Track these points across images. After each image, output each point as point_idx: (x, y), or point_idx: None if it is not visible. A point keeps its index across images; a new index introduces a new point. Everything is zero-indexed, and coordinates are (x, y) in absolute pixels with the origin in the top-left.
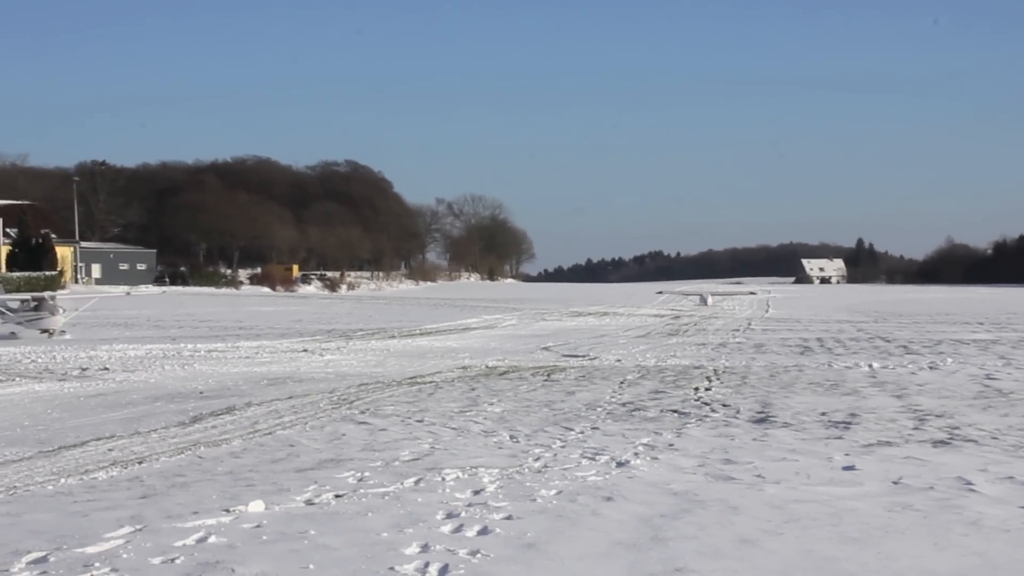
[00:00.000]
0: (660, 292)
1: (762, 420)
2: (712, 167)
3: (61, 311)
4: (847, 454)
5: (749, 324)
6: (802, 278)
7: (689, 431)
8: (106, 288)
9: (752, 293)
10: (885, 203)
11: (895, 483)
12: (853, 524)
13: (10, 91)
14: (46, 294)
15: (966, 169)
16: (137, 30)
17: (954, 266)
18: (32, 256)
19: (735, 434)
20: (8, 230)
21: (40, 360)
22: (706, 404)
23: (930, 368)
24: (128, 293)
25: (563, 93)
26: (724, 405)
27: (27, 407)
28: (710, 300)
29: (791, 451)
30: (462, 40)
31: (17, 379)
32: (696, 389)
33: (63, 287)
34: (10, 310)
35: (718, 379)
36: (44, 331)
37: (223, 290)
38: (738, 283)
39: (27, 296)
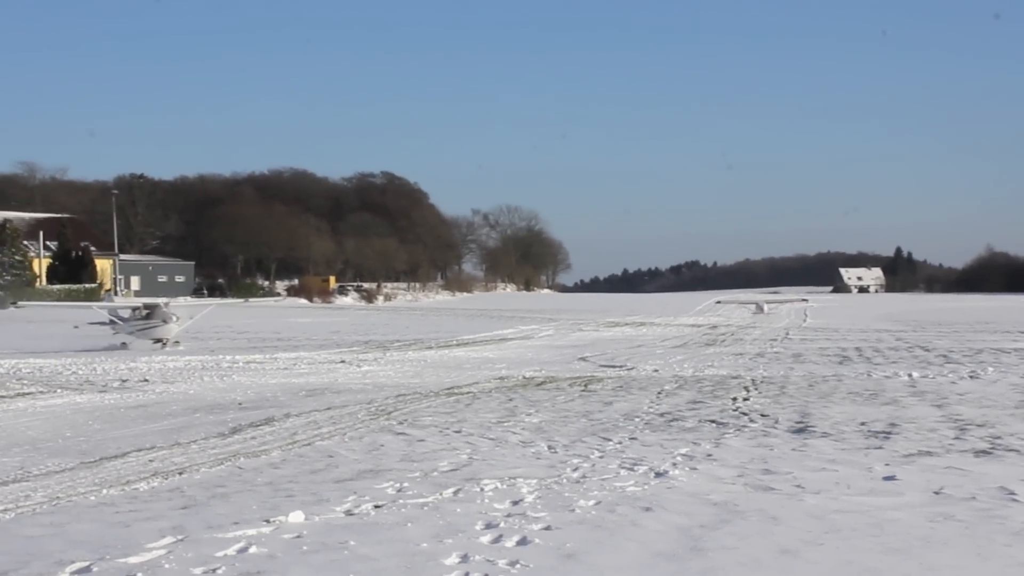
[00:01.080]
0: (719, 301)
1: (801, 430)
2: (749, 177)
3: (175, 319)
4: (887, 464)
5: (787, 334)
6: (840, 287)
7: (728, 441)
8: (213, 300)
9: (804, 300)
10: (924, 211)
11: (936, 493)
12: (894, 535)
13: (49, 105)
14: (160, 301)
15: (1005, 177)
16: (174, 44)
17: (994, 275)
18: (72, 269)
19: (774, 444)
20: (48, 243)
21: (81, 372)
22: (744, 414)
23: (971, 377)
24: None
25: (598, 106)
26: (762, 415)
27: (69, 418)
28: (766, 308)
29: (831, 461)
30: (497, 54)
31: (58, 390)
32: (734, 399)
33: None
34: (121, 319)
35: (756, 389)
36: (157, 340)
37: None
38: (775, 292)
39: (139, 303)
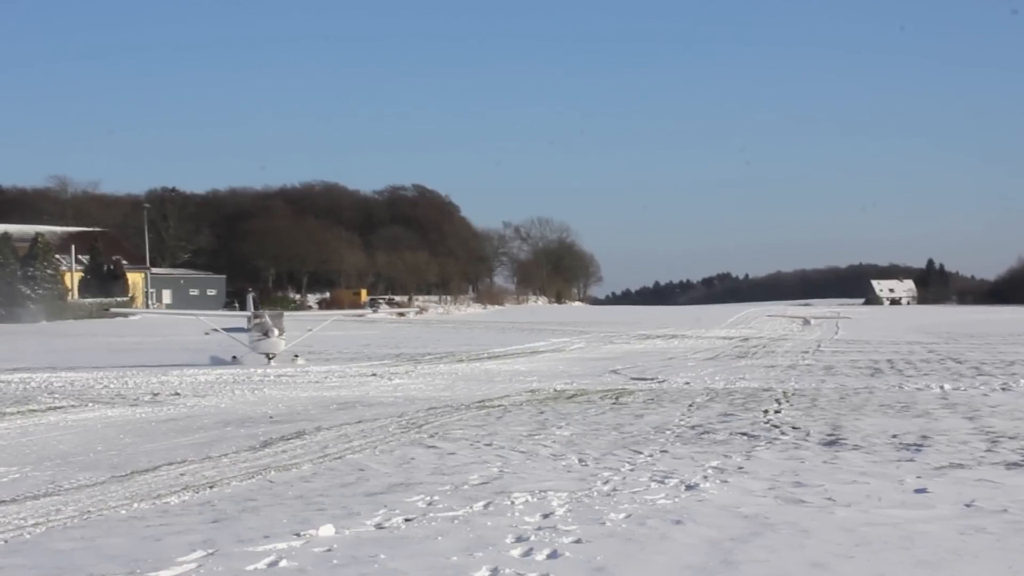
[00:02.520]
0: (771, 315)
1: (832, 443)
2: (781, 188)
3: (276, 333)
4: (919, 476)
5: (819, 346)
6: (872, 299)
7: (759, 454)
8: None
9: (845, 316)
10: (956, 222)
11: (968, 506)
12: (925, 547)
13: (81, 119)
14: (267, 313)
15: None
16: (205, 57)
17: None
18: (104, 282)
19: (805, 457)
20: (80, 257)
21: (112, 385)
22: (776, 427)
23: (1003, 389)
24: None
25: (629, 120)
26: (794, 427)
27: (100, 432)
28: (812, 321)
29: (862, 474)
30: (527, 66)
31: (90, 404)
32: (765, 411)
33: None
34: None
35: (787, 401)
36: (267, 355)
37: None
38: (807, 304)
39: (251, 313)
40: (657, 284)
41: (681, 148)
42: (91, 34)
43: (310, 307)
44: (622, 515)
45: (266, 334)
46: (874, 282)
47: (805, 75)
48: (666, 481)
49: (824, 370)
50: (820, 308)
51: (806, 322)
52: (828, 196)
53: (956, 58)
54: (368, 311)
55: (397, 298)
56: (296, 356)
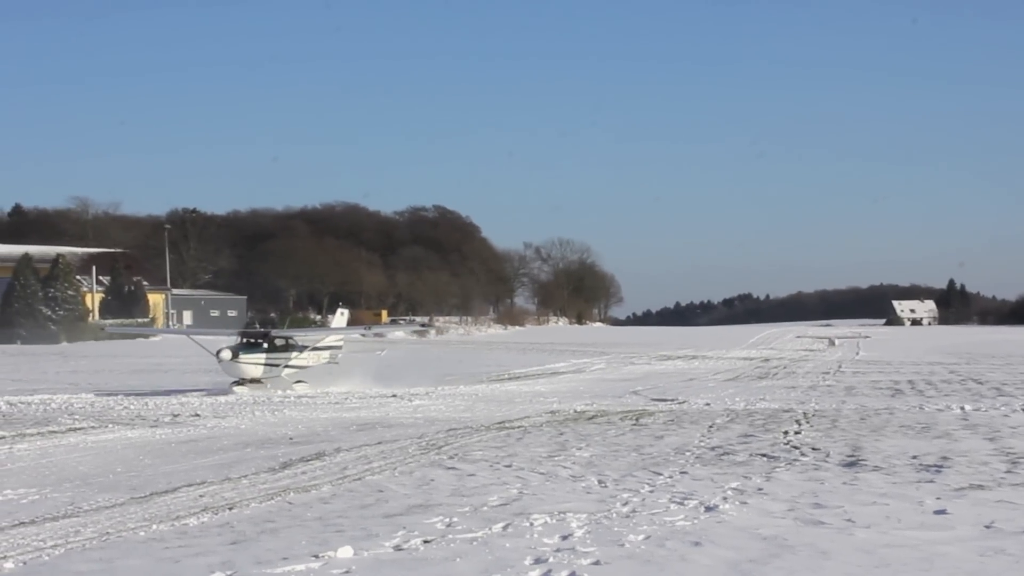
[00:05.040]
0: (799, 336)
1: (852, 464)
2: (801, 209)
3: (243, 357)
4: (939, 498)
5: (839, 367)
6: (893, 320)
7: (778, 475)
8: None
9: (866, 336)
10: (977, 243)
11: (987, 527)
12: (945, 569)
13: (102, 141)
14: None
15: None
16: (224, 77)
17: None
18: (124, 303)
19: (825, 478)
20: (101, 278)
21: (132, 407)
22: (796, 448)
23: (1023, 410)
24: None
25: (649, 141)
26: (814, 449)
27: (119, 453)
28: (837, 342)
29: (882, 495)
30: (548, 85)
31: (110, 425)
32: (786, 433)
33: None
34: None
35: (808, 422)
36: (236, 380)
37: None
38: (828, 325)
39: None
40: (678, 304)
41: (706, 171)
42: (111, 55)
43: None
44: (641, 536)
45: (232, 357)
46: (895, 303)
47: (827, 93)
48: (686, 502)
49: (845, 391)
50: (841, 328)
51: (831, 342)
52: (848, 217)
53: (980, 76)
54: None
55: (418, 319)
56: (300, 381)
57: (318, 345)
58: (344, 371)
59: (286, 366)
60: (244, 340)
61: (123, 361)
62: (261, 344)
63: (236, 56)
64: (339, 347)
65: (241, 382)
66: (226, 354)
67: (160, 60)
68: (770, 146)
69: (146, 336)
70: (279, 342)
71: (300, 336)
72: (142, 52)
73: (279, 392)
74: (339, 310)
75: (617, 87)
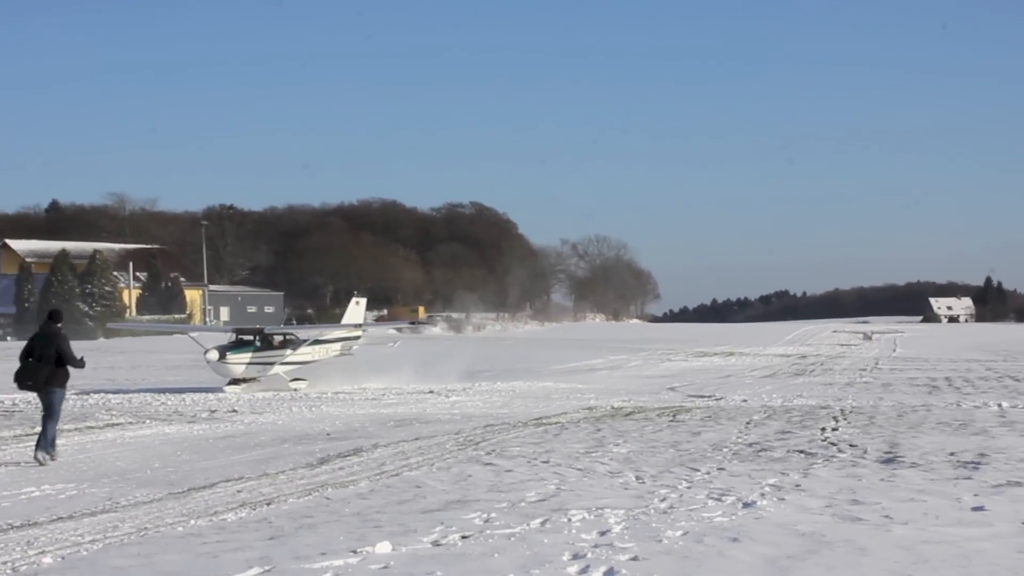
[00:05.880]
0: (836, 331)
1: (890, 460)
2: (838, 207)
3: (231, 356)
4: (976, 495)
5: (876, 363)
6: (929, 317)
7: (816, 471)
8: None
9: (902, 333)
10: (1014, 240)
11: None
12: (983, 566)
13: (139, 137)
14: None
15: None
16: (261, 74)
17: None
18: (161, 299)
19: (862, 474)
20: (138, 274)
21: (170, 403)
22: (833, 444)
23: None
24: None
25: (687, 138)
26: (851, 445)
27: (157, 449)
28: (872, 336)
29: (919, 491)
30: (586, 82)
31: (147, 421)
32: (823, 429)
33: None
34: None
35: (845, 419)
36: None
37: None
38: (865, 322)
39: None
40: (715, 301)
41: (734, 166)
42: (149, 51)
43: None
44: (679, 532)
45: (219, 357)
46: (932, 300)
47: (864, 91)
48: (723, 499)
49: (882, 388)
50: (877, 325)
51: (866, 336)
52: (885, 214)
53: (1016, 72)
54: (409, 325)
55: (455, 315)
56: (297, 379)
57: (325, 338)
58: (353, 368)
59: (282, 363)
60: (237, 338)
61: (160, 357)
62: (252, 342)
63: (274, 52)
64: (354, 338)
65: (234, 381)
66: (213, 354)
67: (198, 56)
68: (808, 144)
69: (149, 333)
70: (276, 339)
71: (304, 332)
72: (180, 48)
73: (273, 392)
74: (354, 299)
75: (652, 85)
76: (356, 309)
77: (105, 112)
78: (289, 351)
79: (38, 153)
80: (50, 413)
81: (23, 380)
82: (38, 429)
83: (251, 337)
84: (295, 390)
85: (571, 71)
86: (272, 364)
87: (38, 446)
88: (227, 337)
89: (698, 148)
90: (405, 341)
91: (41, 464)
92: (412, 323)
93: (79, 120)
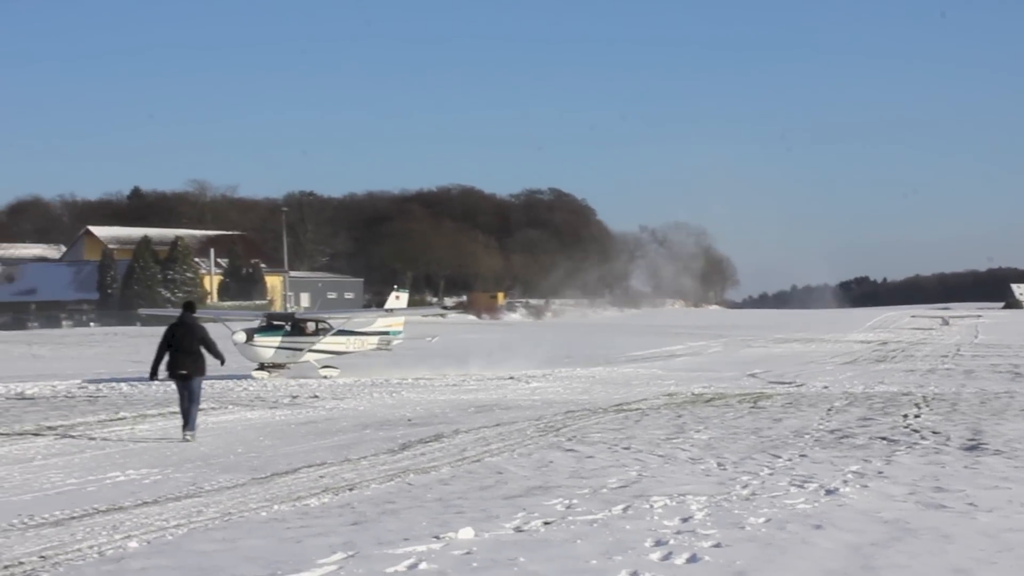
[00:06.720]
0: (914, 316)
1: (973, 447)
2: (919, 191)
3: (257, 339)
4: None
5: (958, 350)
6: (1011, 303)
7: (898, 459)
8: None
9: (979, 316)
10: None
11: None
12: None
13: (221, 125)
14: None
15: None
16: (343, 60)
17: None
18: (242, 286)
19: (946, 462)
20: (219, 260)
21: (252, 388)
22: (915, 431)
23: None
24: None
25: (764, 125)
26: (934, 432)
27: (240, 434)
28: (951, 321)
29: (1003, 479)
30: (668, 73)
31: (230, 407)
32: (905, 416)
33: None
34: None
35: (927, 406)
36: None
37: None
38: (946, 308)
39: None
40: (795, 288)
41: (818, 154)
42: (230, 40)
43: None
44: (762, 519)
45: (247, 340)
46: (1014, 286)
47: (954, 80)
48: (805, 485)
49: (964, 374)
50: (959, 311)
51: (945, 322)
52: (967, 199)
53: None
54: (442, 311)
55: (533, 301)
56: (328, 367)
57: (364, 330)
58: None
59: (311, 350)
60: (268, 322)
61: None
62: (282, 327)
63: (352, 35)
64: (393, 332)
65: (261, 367)
66: (240, 336)
67: (275, 37)
68: (895, 129)
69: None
70: (308, 326)
71: (338, 319)
72: (258, 31)
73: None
74: (394, 293)
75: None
76: (396, 303)
77: (186, 102)
78: (322, 338)
79: (120, 140)
80: (194, 398)
81: (176, 369)
82: (119, 415)
83: (282, 322)
84: (325, 377)
85: (660, 59)
86: (302, 350)
87: (186, 427)
88: (258, 322)
89: (785, 133)
90: (484, 328)
91: (188, 441)
92: (443, 311)
93: (162, 110)
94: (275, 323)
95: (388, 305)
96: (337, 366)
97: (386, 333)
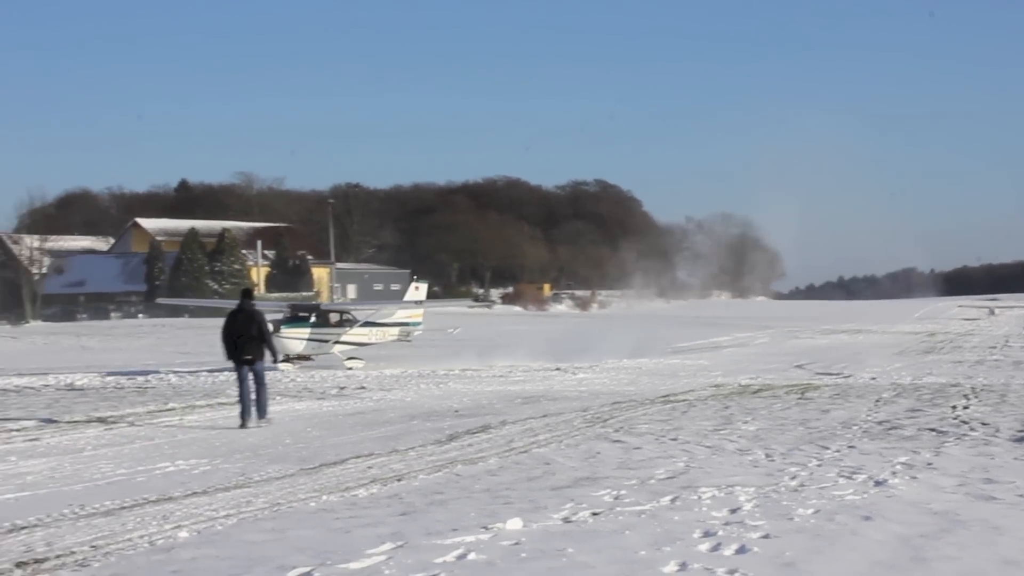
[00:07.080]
0: (961, 306)
1: (1023, 439)
2: (966, 180)
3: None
4: None
5: (1007, 341)
6: None
7: (947, 450)
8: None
9: None
10: None
11: None
12: None
13: (268, 117)
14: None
15: None
16: (386, 54)
17: None
18: (289, 277)
19: (995, 453)
20: (266, 252)
21: (299, 379)
22: (964, 422)
23: None
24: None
25: (811, 115)
26: (983, 423)
27: (288, 425)
28: (996, 311)
29: None
30: (713, 65)
31: (278, 398)
32: (954, 407)
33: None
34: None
35: (976, 397)
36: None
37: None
38: (994, 299)
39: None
40: (841, 279)
41: (863, 144)
42: (279, 34)
43: (493, 302)
44: (810, 511)
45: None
46: None
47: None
48: (854, 477)
49: (1013, 365)
50: (1007, 302)
51: (991, 312)
52: (1014, 189)
53: None
54: (479, 305)
55: (579, 292)
56: (353, 358)
57: (385, 321)
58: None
59: (336, 342)
60: (293, 313)
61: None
62: (307, 318)
63: (396, 24)
64: (412, 324)
65: (287, 359)
66: (281, 330)
67: (324, 41)
68: (950, 121)
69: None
70: (333, 317)
71: (362, 311)
72: (305, 23)
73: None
74: (413, 284)
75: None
76: (415, 294)
77: (234, 95)
78: (348, 330)
79: (168, 133)
80: (261, 382)
81: (241, 356)
82: (168, 405)
83: (307, 313)
84: (350, 369)
85: (682, 55)
86: (327, 342)
87: (260, 415)
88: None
89: (826, 123)
90: (531, 319)
91: (264, 427)
92: (473, 303)
93: (210, 103)
94: (300, 314)
95: (408, 295)
96: (362, 357)
97: (406, 324)
